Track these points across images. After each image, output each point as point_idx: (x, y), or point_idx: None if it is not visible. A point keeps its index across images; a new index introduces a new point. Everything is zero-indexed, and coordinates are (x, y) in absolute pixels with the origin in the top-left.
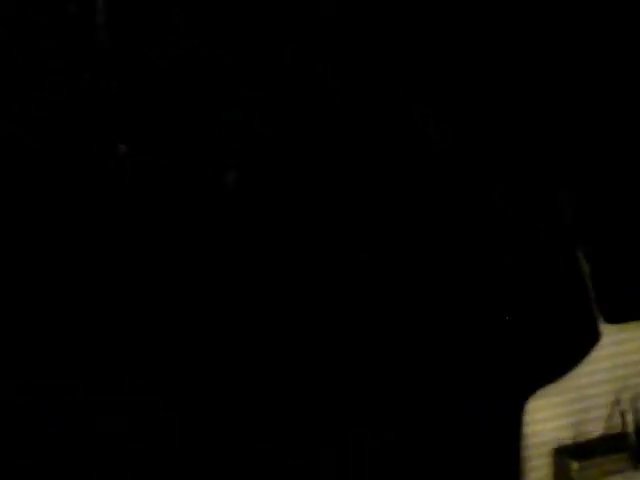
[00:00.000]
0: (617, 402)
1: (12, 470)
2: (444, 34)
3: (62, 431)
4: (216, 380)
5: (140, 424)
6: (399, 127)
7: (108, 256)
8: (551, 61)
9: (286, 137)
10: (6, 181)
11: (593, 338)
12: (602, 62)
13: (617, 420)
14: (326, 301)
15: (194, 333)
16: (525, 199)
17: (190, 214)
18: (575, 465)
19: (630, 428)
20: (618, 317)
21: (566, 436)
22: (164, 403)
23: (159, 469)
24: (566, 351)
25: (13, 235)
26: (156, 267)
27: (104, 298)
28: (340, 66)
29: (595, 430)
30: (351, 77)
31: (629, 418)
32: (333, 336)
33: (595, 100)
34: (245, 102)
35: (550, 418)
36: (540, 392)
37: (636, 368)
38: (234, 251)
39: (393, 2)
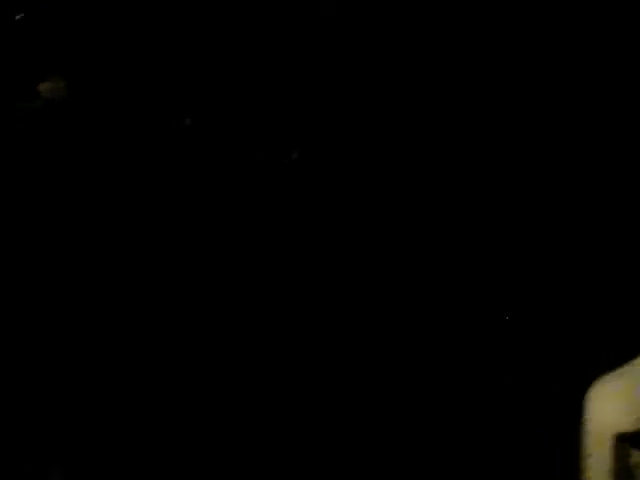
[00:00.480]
0: None
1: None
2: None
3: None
4: (216, 380)
5: (140, 424)
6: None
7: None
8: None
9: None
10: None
11: None
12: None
13: None
14: (328, 299)
15: (196, 331)
16: (590, 183)
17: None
18: (636, 453)
19: None
20: None
21: (627, 422)
22: (164, 403)
23: (159, 469)
24: (629, 335)
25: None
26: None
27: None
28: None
29: None
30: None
31: None
32: (334, 334)
33: None
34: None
35: (611, 404)
36: (602, 377)
37: None
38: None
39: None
